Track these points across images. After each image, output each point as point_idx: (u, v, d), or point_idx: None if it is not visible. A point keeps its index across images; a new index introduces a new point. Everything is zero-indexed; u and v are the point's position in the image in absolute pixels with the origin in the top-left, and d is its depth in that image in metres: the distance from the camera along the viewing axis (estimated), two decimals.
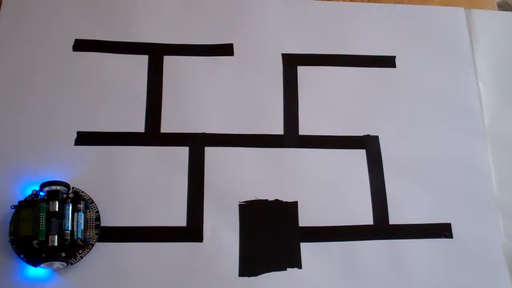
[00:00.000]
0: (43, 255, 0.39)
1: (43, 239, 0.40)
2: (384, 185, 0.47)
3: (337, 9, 0.53)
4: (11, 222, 0.41)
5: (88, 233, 0.42)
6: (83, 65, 0.48)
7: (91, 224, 0.42)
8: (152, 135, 0.46)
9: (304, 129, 0.48)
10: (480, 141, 0.49)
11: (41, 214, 0.40)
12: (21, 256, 0.40)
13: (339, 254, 0.44)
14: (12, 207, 0.41)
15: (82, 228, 0.41)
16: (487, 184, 0.48)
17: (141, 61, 0.49)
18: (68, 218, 0.41)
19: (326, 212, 0.45)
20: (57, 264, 0.40)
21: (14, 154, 0.44)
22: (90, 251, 0.41)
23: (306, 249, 0.44)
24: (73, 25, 0.49)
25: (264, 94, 0.49)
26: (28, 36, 0.48)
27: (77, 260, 0.41)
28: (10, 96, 0.46)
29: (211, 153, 0.46)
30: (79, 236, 0.41)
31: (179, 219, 0.44)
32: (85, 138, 0.45)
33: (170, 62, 0.49)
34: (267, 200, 0.45)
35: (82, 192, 0.43)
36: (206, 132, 0.47)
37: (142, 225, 0.43)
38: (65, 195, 0.42)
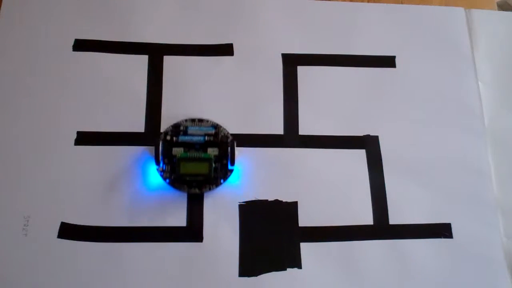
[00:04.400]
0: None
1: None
2: (384, 185, 0.47)
3: (337, 9, 0.53)
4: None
5: None
6: (83, 65, 0.48)
7: None
8: (152, 135, 0.46)
9: (304, 129, 0.48)
10: (480, 141, 0.49)
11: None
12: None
13: (339, 254, 0.44)
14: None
15: None
16: (487, 184, 0.48)
17: (141, 61, 0.49)
18: None
19: (326, 212, 0.45)
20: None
21: (14, 154, 0.44)
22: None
23: (306, 249, 0.44)
24: (73, 25, 0.49)
25: (264, 94, 0.49)
26: (28, 36, 0.48)
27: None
28: (10, 96, 0.46)
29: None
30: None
31: (179, 219, 0.44)
32: (85, 138, 0.45)
33: (170, 62, 0.49)
34: (267, 200, 0.45)
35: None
36: None
37: (142, 225, 0.43)
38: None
